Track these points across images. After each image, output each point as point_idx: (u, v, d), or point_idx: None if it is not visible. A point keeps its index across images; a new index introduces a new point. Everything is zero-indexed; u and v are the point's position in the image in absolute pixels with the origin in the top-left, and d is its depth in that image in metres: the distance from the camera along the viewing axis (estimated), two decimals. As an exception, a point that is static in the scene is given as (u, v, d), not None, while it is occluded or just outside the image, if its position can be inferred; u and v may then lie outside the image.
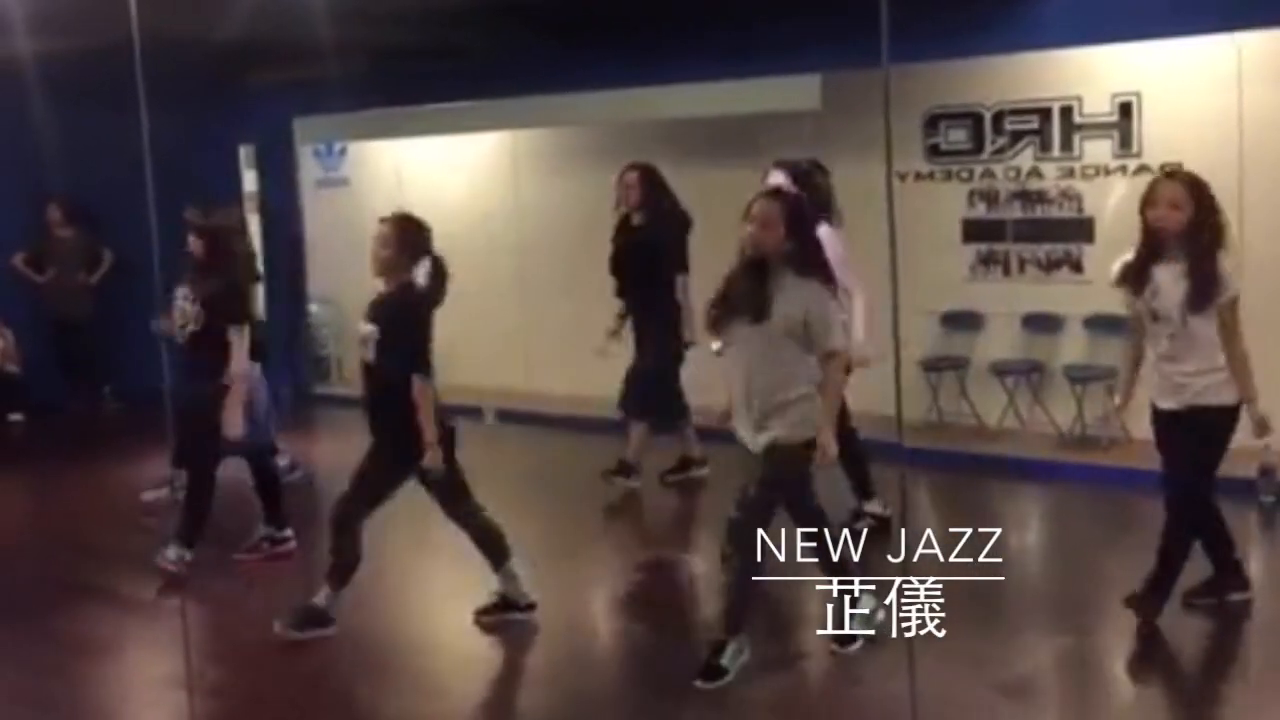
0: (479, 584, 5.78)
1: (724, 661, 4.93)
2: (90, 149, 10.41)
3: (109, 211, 10.62)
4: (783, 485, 4.99)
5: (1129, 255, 5.29)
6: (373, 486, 5.54)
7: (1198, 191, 5.07)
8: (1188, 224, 5.04)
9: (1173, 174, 5.32)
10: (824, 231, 5.58)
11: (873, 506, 6.73)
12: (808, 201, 5.50)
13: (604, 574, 6.81)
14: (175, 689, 5.14)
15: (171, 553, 6.50)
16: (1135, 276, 5.21)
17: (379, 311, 5.52)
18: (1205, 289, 5.00)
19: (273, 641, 5.55)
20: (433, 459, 5.34)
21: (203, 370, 6.43)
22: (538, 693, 5.32)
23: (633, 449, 7.92)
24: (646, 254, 7.79)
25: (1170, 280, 5.09)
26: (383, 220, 5.55)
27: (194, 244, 6.54)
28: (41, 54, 8.83)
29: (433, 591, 6.62)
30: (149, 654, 5.78)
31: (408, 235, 5.49)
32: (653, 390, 7.84)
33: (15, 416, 11.24)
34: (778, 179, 6.17)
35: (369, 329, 5.50)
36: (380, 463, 5.56)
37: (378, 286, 5.62)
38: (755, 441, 4.96)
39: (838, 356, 4.99)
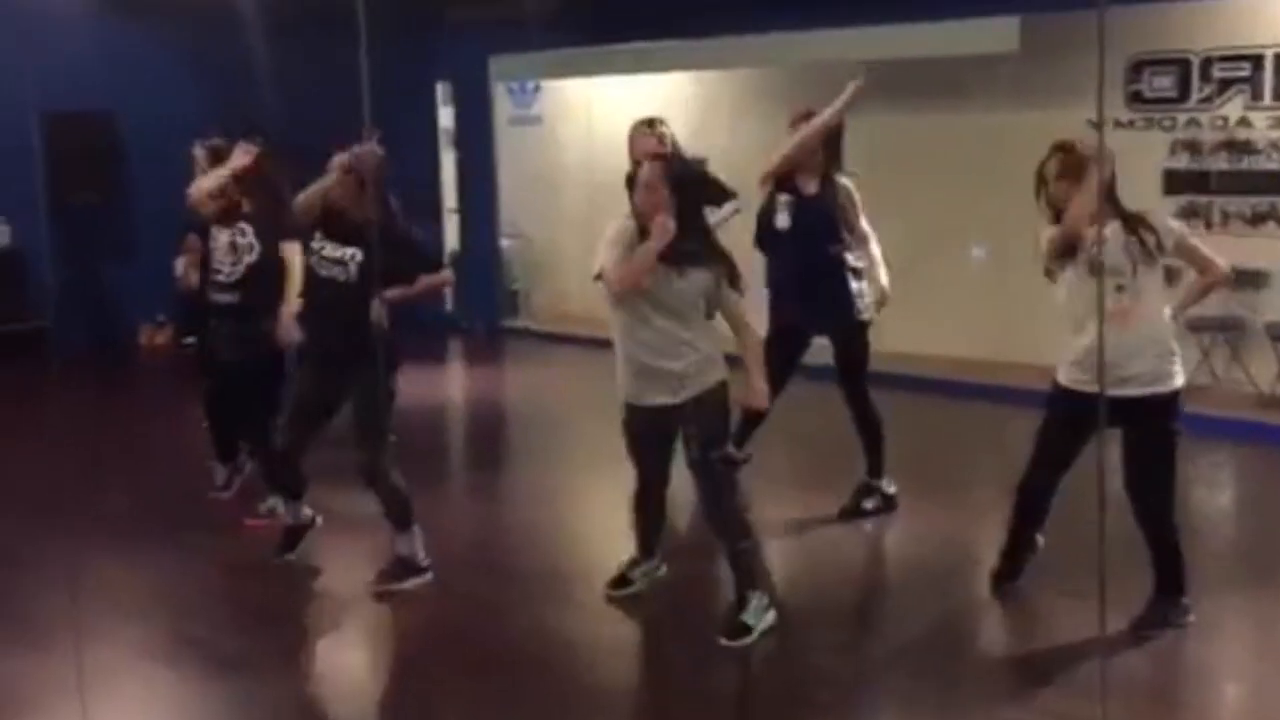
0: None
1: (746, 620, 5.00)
2: (290, 82, 10.84)
3: (311, 145, 11.01)
4: None
5: None
6: None
7: None
8: None
9: None
10: (849, 183, 6.31)
11: (884, 485, 6.48)
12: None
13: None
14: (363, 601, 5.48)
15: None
16: None
17: None
18: None
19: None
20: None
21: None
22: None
23: None
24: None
25: None
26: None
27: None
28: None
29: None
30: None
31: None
32: None
33: (189, 340, 11.52)
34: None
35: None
36: None
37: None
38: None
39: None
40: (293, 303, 6.01)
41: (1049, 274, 4.90)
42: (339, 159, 5.43)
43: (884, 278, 6.36)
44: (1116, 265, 4.73)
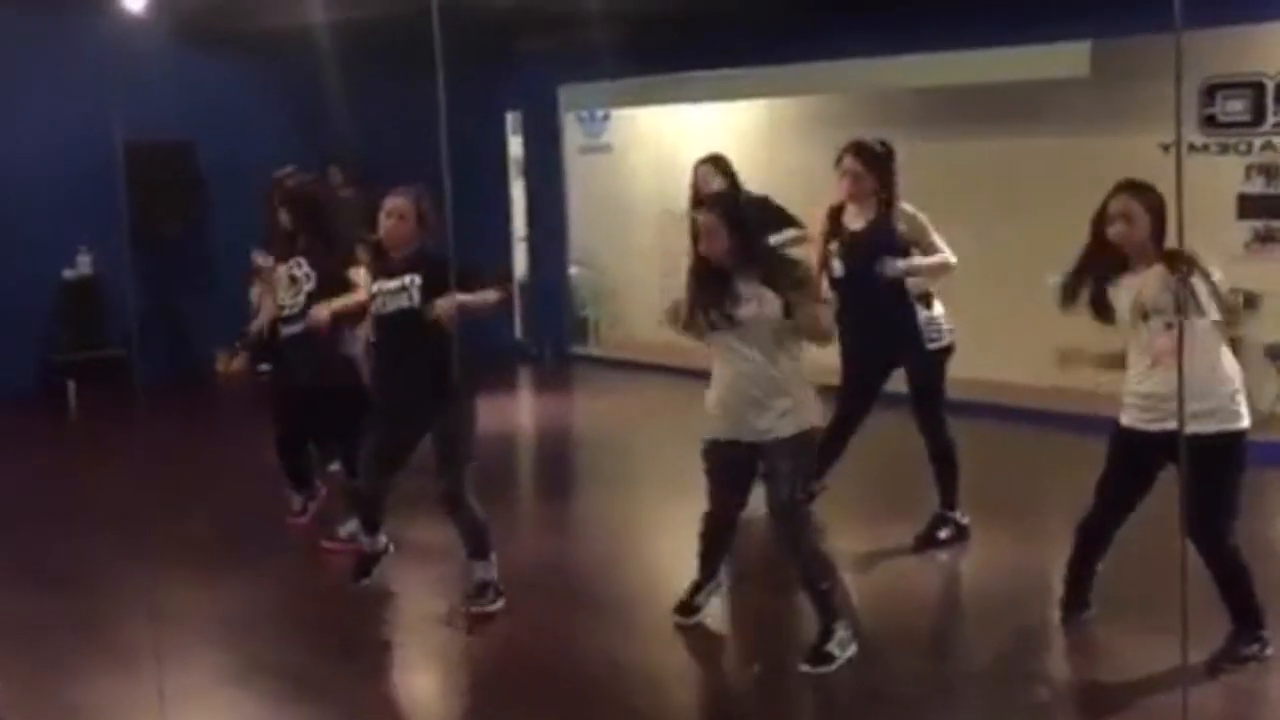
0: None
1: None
2: (365, 113, 11.00)
3: (385, 173, 11.17)
4: None
5: None
6: None
7: None
8: None
9: None
10: (909, 207, 6.22)
11: (958, 515, 6.47)
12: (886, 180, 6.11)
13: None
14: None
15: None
16: None
17: None
18: None
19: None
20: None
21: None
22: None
23: None
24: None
25: None
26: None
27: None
28: (322, 23, 9.38)
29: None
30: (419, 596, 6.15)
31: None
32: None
33: (264, 367, 11.58)
34: (850, 164, 6.23)
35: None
36: None
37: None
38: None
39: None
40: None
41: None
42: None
43: (946, 256, 6.24)
44: (1161, 305, 4.70)
